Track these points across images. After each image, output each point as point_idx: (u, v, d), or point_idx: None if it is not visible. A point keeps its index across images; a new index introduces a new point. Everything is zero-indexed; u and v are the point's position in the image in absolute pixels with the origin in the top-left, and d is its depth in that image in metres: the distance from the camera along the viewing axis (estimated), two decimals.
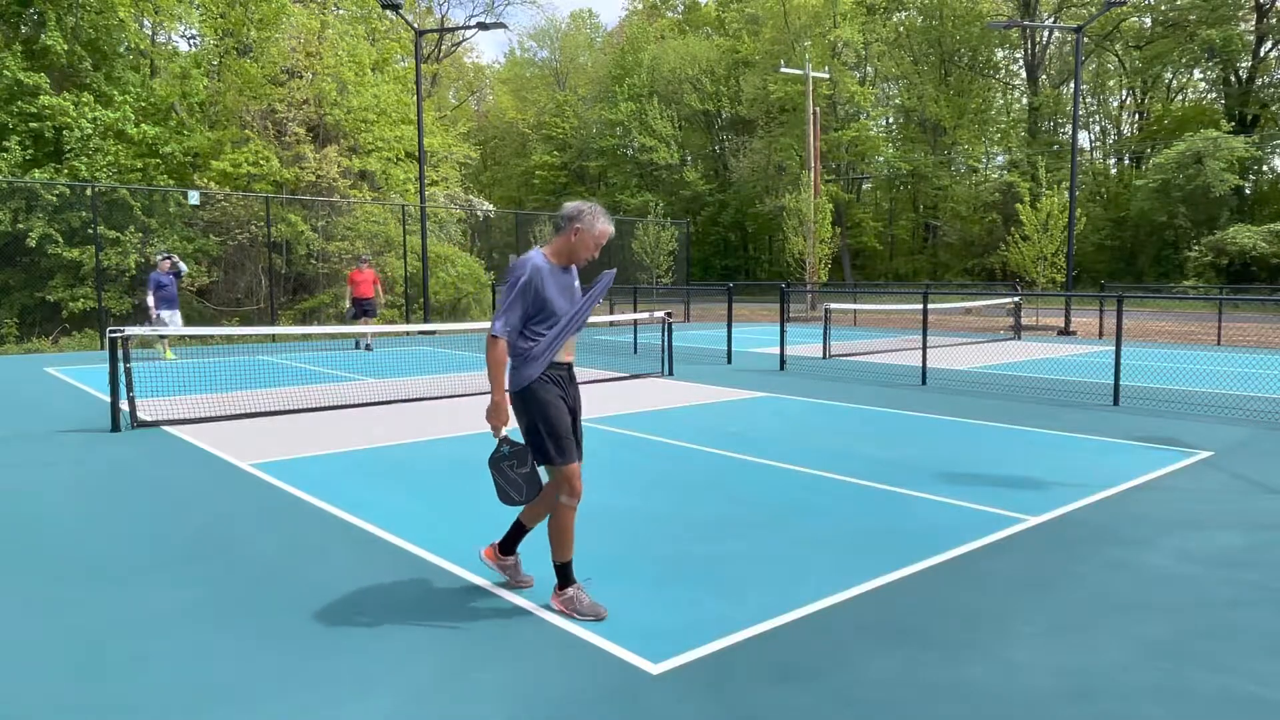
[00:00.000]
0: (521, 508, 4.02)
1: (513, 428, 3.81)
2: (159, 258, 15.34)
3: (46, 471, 6.79)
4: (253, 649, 3.58)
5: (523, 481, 3.76)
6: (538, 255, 3.80)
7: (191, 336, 17.07)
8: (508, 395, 3.81)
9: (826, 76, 40.17)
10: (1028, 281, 23.91)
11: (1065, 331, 20.41)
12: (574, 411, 3.92)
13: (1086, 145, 47.41)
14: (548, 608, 3.93)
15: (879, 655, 3.49)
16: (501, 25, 27.13)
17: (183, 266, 15.57)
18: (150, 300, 14.63)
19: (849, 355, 15.45)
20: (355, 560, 4.65)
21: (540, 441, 3.77)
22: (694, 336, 20.13)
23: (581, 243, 3.83)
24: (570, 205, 3.88)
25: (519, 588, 4.16)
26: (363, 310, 16.77)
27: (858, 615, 3.89)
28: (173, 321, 14.68)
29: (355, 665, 3.42)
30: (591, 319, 16.77)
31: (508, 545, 4.15)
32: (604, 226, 3.86)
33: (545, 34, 62.40)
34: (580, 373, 12.75)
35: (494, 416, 3.78)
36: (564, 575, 3.92)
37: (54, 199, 18.67)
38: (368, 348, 17.35)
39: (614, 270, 4.01)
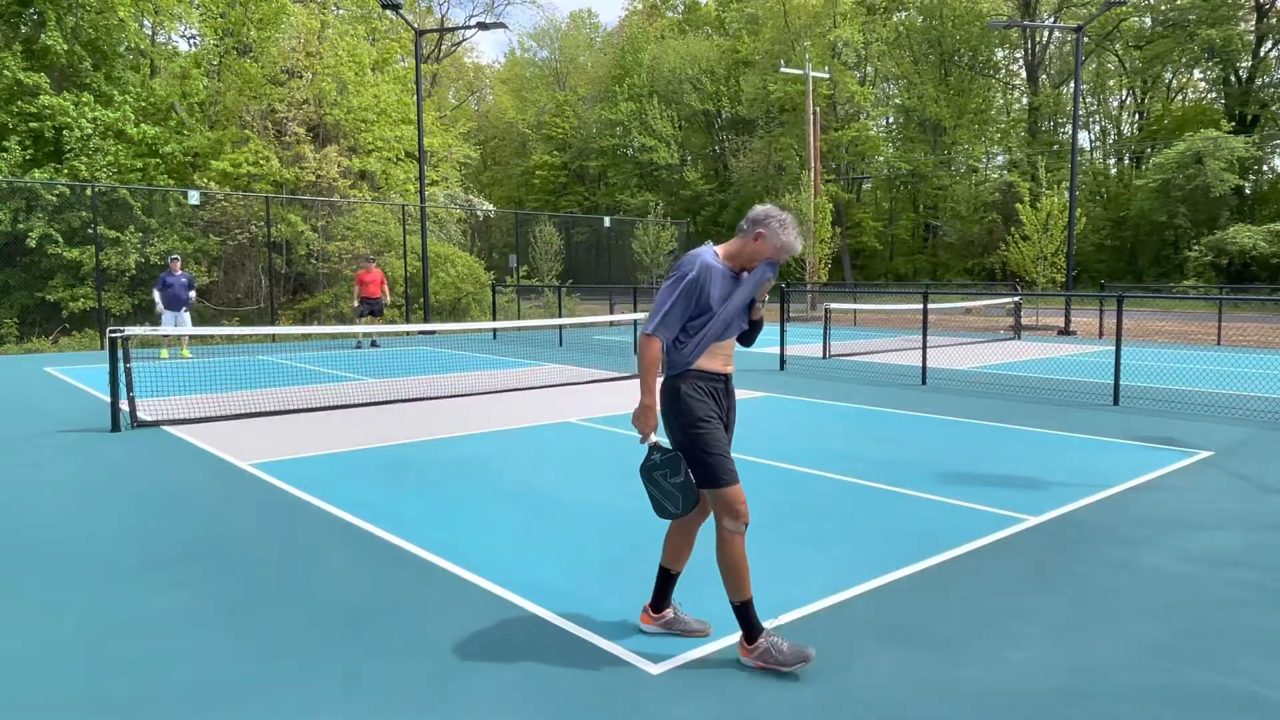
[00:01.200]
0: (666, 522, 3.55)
1: (662, 434, 3.52)
2: (170, 259, 15.46)
3: (46, 471, 6.79)
4: (252, 649, 3.58)
5: (678, 491, 3.37)
6: (709, 253, 3.44)
7: (191, 336, 17.07)
8: (658, 400, 3.44)
9: (826, 76, 40.17)
10: (1028, 281, 23.91)
11: (1065, 331, 20.40)
12: (727, 426, 3.58)
13: (1086, 145, 47.44)
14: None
15: (879, 655, 3.49)
16: (501, 25, 27.19)
17: (194, 292, 15.54)
18: (156, 296, 14.78)
19: (849, 355, 15.44)
20: (354, 560, 4.65)
21: (695, 461, 3.38)
22: None
23: (758, 250, 3.42)
24: (760, 208, 3.49)
25: (697, 637, 3.63)
26: (370, 310, 16.93)
27: (858, 615, 3.89)
28: (180, 321, 14.71)
29: (355, 664, 3.42)
30: (590, 319, 16.81)
31: (659, 601, 3.65)
32: (788, 239, 3.42)
33: (545, 34, 62.60)
34: (579, 373, 12.83)
35: (641, 421, 3.41)
36: (746, 620, 3.39)
37: (54, 199, 18.67)
38: (374, 344, 17.43)
39: (775, 265, 3.48)
